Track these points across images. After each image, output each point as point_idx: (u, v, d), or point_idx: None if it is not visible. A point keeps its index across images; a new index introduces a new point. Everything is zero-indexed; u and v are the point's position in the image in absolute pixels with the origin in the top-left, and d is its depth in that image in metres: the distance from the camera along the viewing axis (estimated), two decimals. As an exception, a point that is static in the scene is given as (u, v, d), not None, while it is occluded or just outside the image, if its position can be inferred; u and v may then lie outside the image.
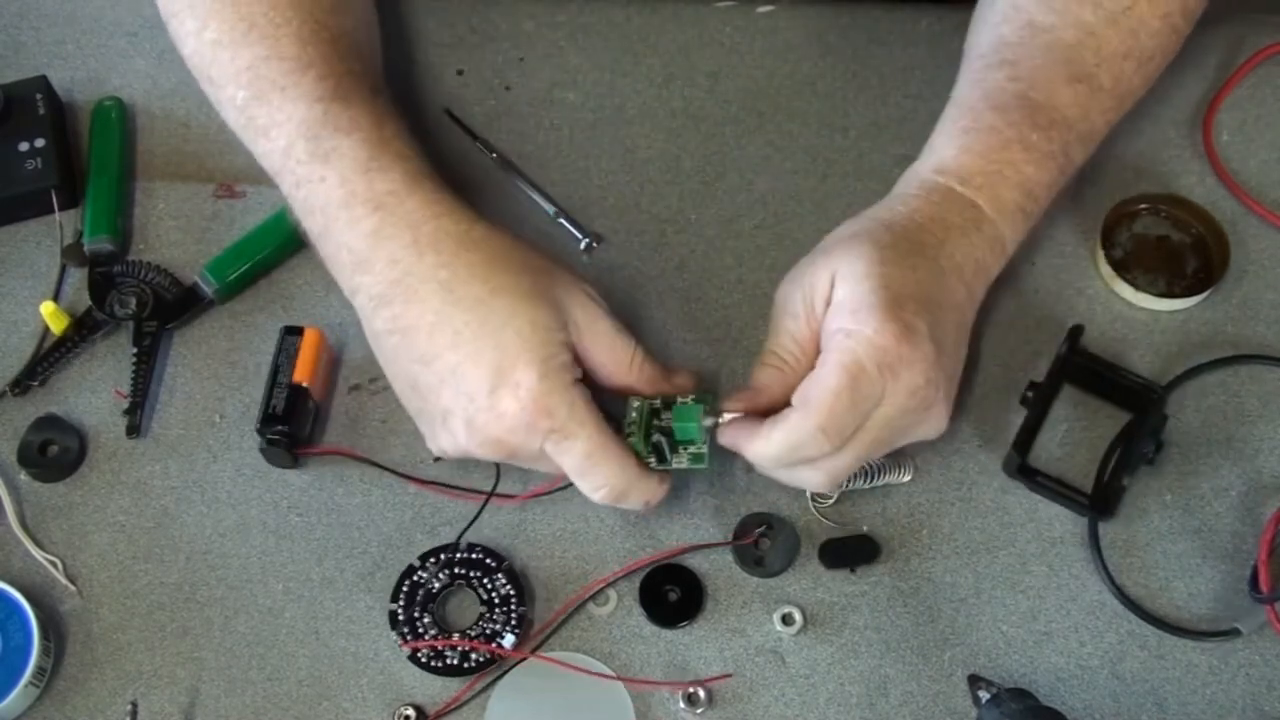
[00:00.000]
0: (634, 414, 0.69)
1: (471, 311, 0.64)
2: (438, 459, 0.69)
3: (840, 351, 0.63)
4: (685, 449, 0.69)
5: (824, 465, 0.66)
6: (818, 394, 0.63)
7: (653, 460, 0.69)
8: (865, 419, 0.64)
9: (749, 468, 0.73)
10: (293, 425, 0.72)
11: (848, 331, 0.64)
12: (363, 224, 0.66)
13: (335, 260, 0.68)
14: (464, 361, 0.64)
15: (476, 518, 0.71)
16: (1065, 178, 0.73)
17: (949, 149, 0.71)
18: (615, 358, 0.68)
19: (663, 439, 0.68)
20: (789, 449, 0.65)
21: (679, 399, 0.69)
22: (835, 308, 0.65)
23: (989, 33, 0.75)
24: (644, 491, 0.67)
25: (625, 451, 0.66)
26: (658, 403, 0.70)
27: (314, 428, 0.75)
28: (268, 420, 0.72)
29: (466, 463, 0.72)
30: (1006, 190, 0.69)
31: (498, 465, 0.70)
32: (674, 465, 0.69)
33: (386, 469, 0.73)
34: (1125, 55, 0.73)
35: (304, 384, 0.73)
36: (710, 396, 0.70)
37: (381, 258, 0.66)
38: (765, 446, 0.65)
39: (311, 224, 0.69)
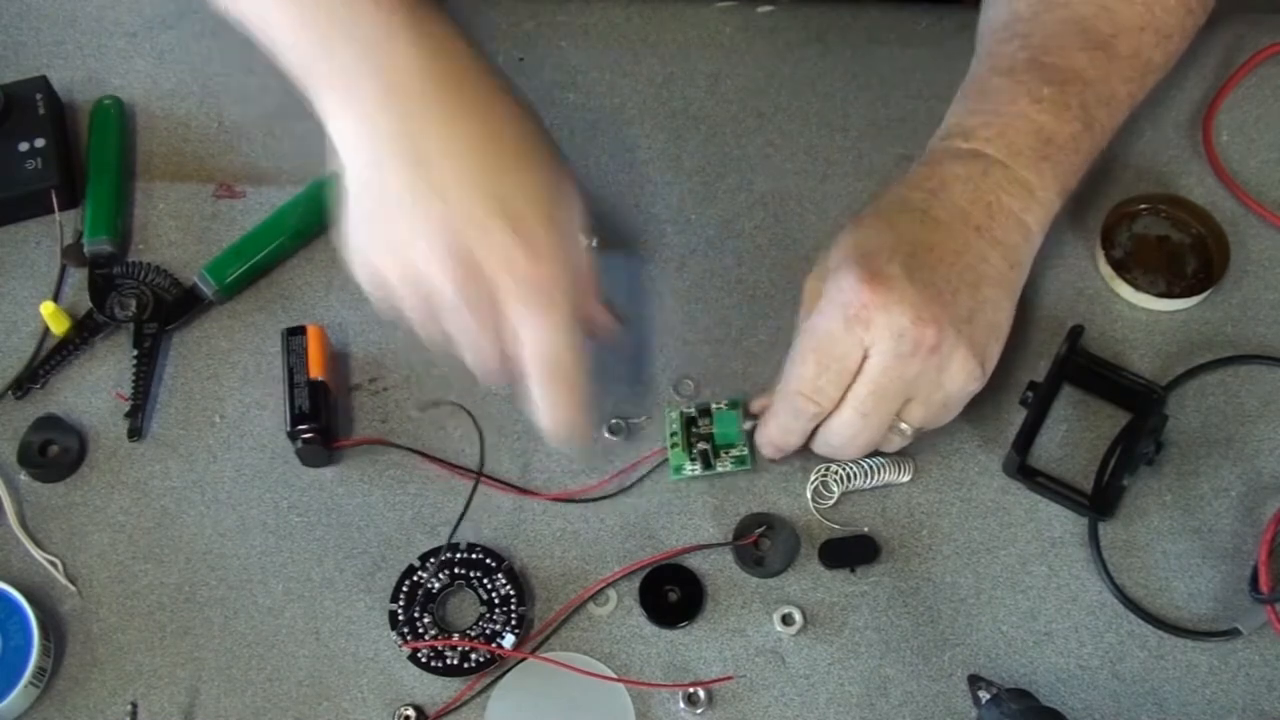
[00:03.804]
0: (674, 425, 0.73)
1: (515, 148, 0.61)
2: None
3: (811, 317, 0.65)
4: (727, 453, 0.72)
5: (832, 431, 0.66)
6: (788, 363, 0.66)
7: (698, 467, 0.72)
8: (850, 375, 0.64)
9: (734, 463, 0.73)
10: (323, 421, 0.72)
11: (818, 296, 0.65)
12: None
13: (351, 22, 0.60)
14: (476, 189, 0.59)
15: (468, 505, 0.71)
16: (1094, 137, 0.71)
17: (954, 116, 0.71)
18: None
19: (707, 446, 0.72)
20: (780, 425, 0.68)
21: (713, 405, 0.74)
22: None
23: (1003, 9, 0.75)
24: (573, 407, 0.63)
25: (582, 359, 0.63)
26: (693, 410, 0.73)
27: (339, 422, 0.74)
28: (298, 420, 0.71)
29: (498, 451, 0.73)
30: (1018, 136, 0.69)
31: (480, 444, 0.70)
32: (719, 470, 0.73)
33: (428, 456, 0.73)
34: (1142, 28, 0.73)
35: (322, 378, 0.72)
36: (742, 399, 0.74)
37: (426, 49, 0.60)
38: (763, 429, 0.69)
39: None
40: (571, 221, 0.62)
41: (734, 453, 0.73)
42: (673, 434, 0.73)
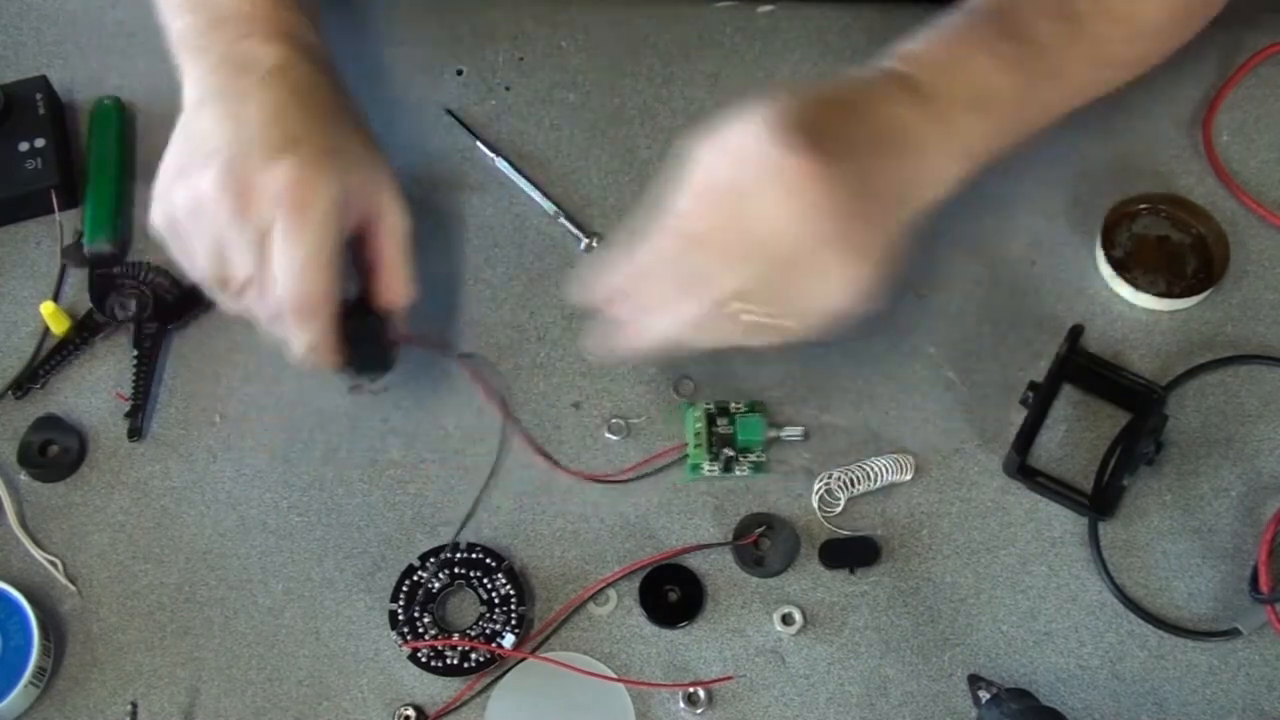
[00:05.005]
0: (697, 426, 0.73)
1: (324, 119, 0.66)
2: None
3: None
4: (746, 457, 0.72)
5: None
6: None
7: (717, 469, 0.73)
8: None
9: (751, 469, 0.73)
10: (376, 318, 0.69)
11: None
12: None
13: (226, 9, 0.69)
14: (273, 124, 0.64)
15: (473, 511, 0.71)
16: (1027, 110, 0.69)
17: (902, 43, 0.67)
18: (393, 237, 0.69)
19: (733, 452, 0.72)
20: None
21: (732, 406, 0.73)
22: None
23: None
24: (317, 326, 0.66)
25: (333, 287, 0.65)
26: (712, 407, 0.73)
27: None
28: (354, 311, 0.68)
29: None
30: (955, 74, 0.65)
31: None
32: (737, 473, 0.73)
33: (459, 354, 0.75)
34: (1120, 19, 0.70)
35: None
36: (764, 406, 0.74)
37: (285, 32, 0.68)
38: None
39: None
40: (355, 186, 0.66)
41: (752, 458, 0.72)
42: (696, 432, 0.73)
